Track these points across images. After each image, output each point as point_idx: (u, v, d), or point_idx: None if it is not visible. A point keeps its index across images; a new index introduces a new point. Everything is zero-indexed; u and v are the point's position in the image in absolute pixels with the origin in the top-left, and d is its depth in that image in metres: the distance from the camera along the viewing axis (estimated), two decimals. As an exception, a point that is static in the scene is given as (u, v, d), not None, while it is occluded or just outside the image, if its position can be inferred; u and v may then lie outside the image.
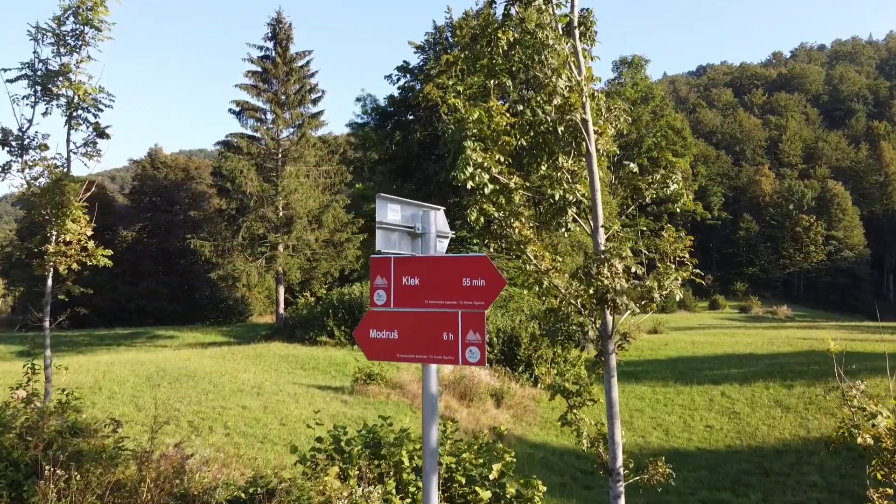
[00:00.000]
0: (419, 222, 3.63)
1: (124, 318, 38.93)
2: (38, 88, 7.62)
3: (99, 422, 5.91)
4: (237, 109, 30.79)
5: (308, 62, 31.95)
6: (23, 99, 7.86)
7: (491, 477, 4.51)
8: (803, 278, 72.25)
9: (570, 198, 4.72)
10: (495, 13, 5.01)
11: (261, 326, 34.78)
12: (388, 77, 31.27)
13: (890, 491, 4.14)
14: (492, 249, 21.63)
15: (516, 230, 4.95)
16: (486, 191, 4.57)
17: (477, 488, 4.50)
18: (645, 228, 4.74)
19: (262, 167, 29.84)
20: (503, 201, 4.80)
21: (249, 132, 31.03)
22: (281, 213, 29.45)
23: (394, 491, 4.33)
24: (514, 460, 4.84)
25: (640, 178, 4.91)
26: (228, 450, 10.23)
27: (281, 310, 30.13)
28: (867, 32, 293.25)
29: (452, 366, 10.83)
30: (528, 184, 5.06)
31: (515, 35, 4.81)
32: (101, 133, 7.98)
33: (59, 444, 4.47)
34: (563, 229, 4.78)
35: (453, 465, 4.73)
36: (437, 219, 3.69)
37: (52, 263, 7.31)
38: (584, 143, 4.81)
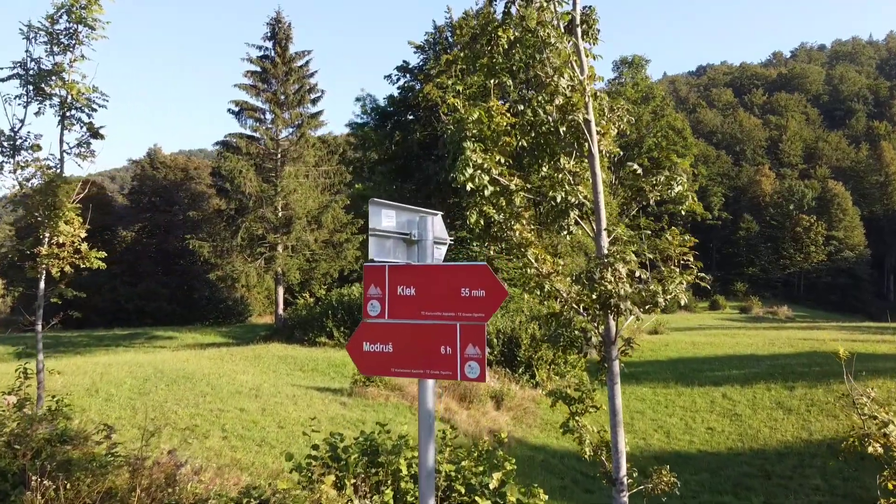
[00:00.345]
0: (415, 228, 3.42)
1: (123, 319, 38.84)
2: (31, 88, 7.48)
3: (91, 428, 5.80)
4: (236, 109, 30.69)
5: (307, 62, 31.87)
6: (15, 98, 7.73)
7: (491, 486, 4.40)
8: (803, 278, 72.15)
9: (573, 200, 4.59)
10: (495, 11, 4.90)
11: (260, 327, 34.68)
12: (388, 77, 31.16)
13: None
14: (492, 252, 21.51)
15: (517, 233, 4.84)
16: (487, 192, 4.45)
17: (477, 498, 4.39)
18: (650, 232, 4.63)
19: (261, 167, 29.74)
20: (503, 203, 4.68)
21: (248, 132, 30.94)
22: (280, 214, 29.34)
23: (391, 501, 4.23)
24: (515, 468, 4.73)
25: (644, 179, 4.80)
26: (225, 454, 10.13)
27: (280, 310, 30.02)
28: (867, 32, 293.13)
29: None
30: (528, 185, 4.95)
31: (516, 34, 4.70)
32: (94, 133, 7.85)
33: (48, 452, 4.35)
34: (566, 232, 4.66)
35: (453, 474, 4.62)
36: (435, 225, 3.51)
37: (44, 266, 7.20)
38: (586, 144, 4.70)
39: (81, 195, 7.59)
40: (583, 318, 4.54)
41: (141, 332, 32.35)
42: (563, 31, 4.69)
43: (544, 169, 4.80)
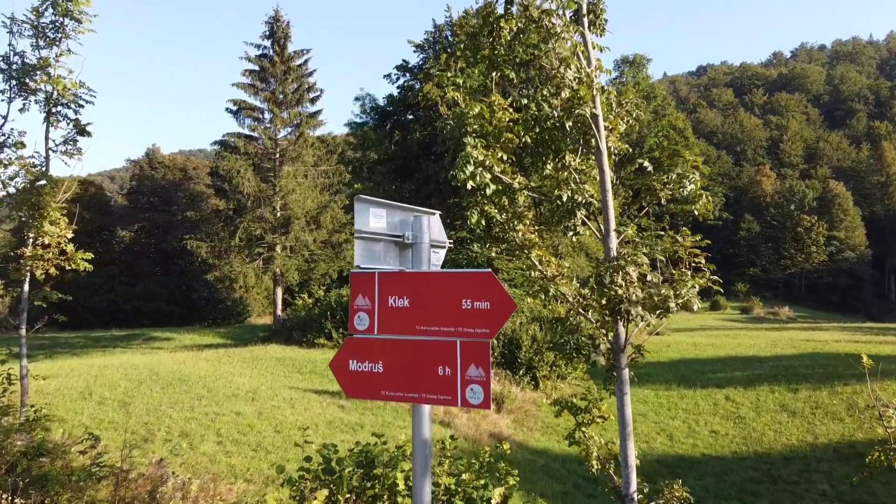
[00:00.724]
0: (409, 230, 2.99)
1: (121, 320, 38.64)
2: (14, 83, 7.23)
3: (75, 437, 5.56)
4: (234, 109, 30.48)
5: (306, 61, 31.64)
6: (-3, 94, 7.48)
7: (493, 501, 4.17)
8: (804, 279, 71.97)
9: (579, 199, 4.34)
10: (497, 1, 4.66)
11: (259, 328, 34.47)
12: (388, 76, 30.91)
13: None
14: (494, 253, 21.19)
15: (520, 233, 4.60)
16: (488, 191, 4.19)
17: (478, 512, 4.17)
18: (662, 232, 4.39)
19: (259, 167, 29.53)
20: (506, 202, 4.44)
21: (247, 132, 30.72)
22: (278, 214, 29.12)
23: (387, 517, 4.01)
24: (518, 482, 4.50)
25: (655, 177, 4.56)
26: (219, 459, 9.91)
27: (279, 311, 29.79)
28: (867, 32, 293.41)
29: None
30: (531, 184, 4.71)
31: (519, 24, 4.46)
32: (81, 130, 7.59)
33: (24, 466, 4.12)
34: (572, 233, 4.41)
35: (452, 487, 4.39)
36: (431, 225, 3.10)
37: (28, 268, 6.95)
38: (593, 140, 4.46)
39: (68, 194, 7.35)
40: (590, 324, 4.31)
41: (138, 333, 32.14)
42: (569, 20, 4.46)
43: (549, 167, 4.55)
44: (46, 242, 7.01)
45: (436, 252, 3.18)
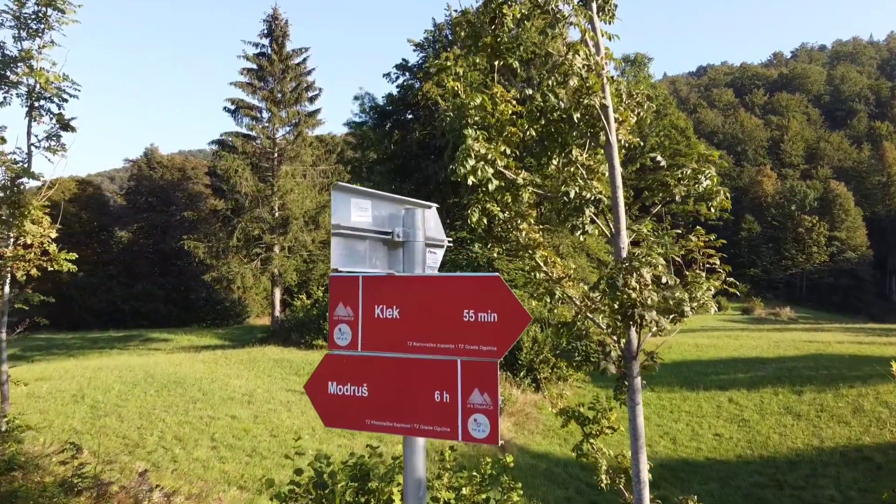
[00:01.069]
0: (400, 225, 2.48)
1: (119, 320, 38.39)
2: (-6, 75, 7.00)
3: (59, 445, 5.29)
4: (232, 108, 30.25)
5: (304, 59, 31.39)
6: (-26, 87, 7.21)
7: (495, 518, 3.92)
8: (805, 279, 71.73)
9: (588, 196, 4.08)
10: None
11: (257, 329, 34.21)
12: (387, 75, 30.66)
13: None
14: (495, 254, 20.86)
15: (523, 233, 4.35)
16: (490, 187, 3.92)
17: (479, 529, 3.92)
18: (677, 231, 4.13)
19: (257, 166, 29.28)
20: (509, 200, 4.18)
21: (245, 131, 30.48)
22: (277, 214, 28.87)
23: (383, 536, 3.76)
24: (521, 497, 4.25)
25: (668, 173, 4.30)
26: (213, 465, 9.65)
27: (277, 312, 29.53)
28: (868, 33, 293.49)
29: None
30: (536, 180, 4.46)
31: (523, 11, 4.21)
32: (65, 125, 7.33)
33: (-7, 481, 3.88)
34: (580, 232, 4.14)
35: (452, 502, 4.14)
36: (427, 220, 2.59)
37: (8, 269, 6.68)
38: (602, 133, 4.20)
39: (51, 192, 7.09)
40: (598, 330, 4.05)
41: (136, 333, 31.90)
42: (577, 4, 4.21)
43: (554, 161, 4.30)
44: (28, 242, 6.74)
45: (432, 252, 2.71)
